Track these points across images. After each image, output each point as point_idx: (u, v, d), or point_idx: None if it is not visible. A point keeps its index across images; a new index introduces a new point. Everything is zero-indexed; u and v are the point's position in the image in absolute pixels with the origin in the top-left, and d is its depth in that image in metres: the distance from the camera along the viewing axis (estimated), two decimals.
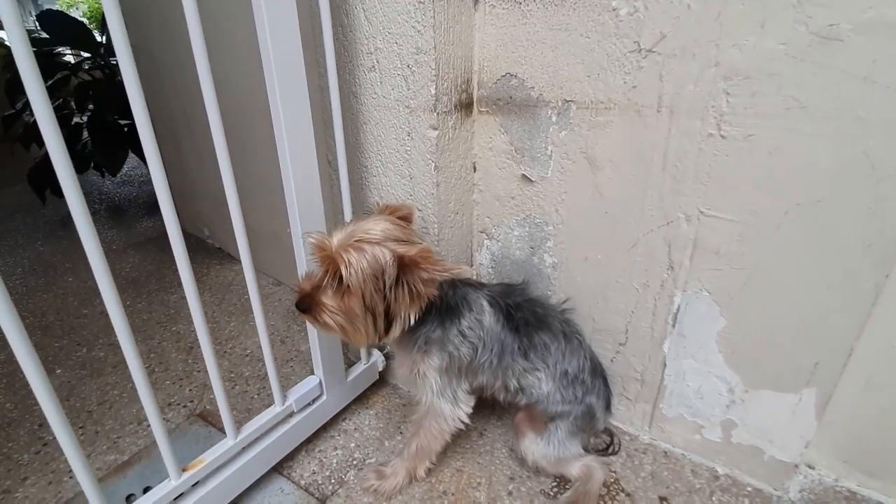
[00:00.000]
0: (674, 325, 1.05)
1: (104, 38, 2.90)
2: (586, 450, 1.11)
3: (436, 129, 1.07)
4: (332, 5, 1.01)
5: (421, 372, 0.99)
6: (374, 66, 1.10)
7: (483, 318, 0.97)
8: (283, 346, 1.70)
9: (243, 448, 1.07)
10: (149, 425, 1.35)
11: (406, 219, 0.93)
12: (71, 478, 1.20)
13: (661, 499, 1.04)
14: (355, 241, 0.82)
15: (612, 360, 1.18)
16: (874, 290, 0.81)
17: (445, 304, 0.94)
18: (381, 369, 1.43)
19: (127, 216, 3.00)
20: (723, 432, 1.07)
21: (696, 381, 1.07)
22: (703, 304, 1.00)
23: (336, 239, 0.83)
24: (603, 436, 1.18)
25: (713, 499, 1.03)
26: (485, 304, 0.99)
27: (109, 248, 2.50)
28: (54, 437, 1.30)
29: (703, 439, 1.11)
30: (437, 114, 1.06)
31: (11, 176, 3.25)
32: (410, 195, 1.18)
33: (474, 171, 1.23)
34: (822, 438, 1.02)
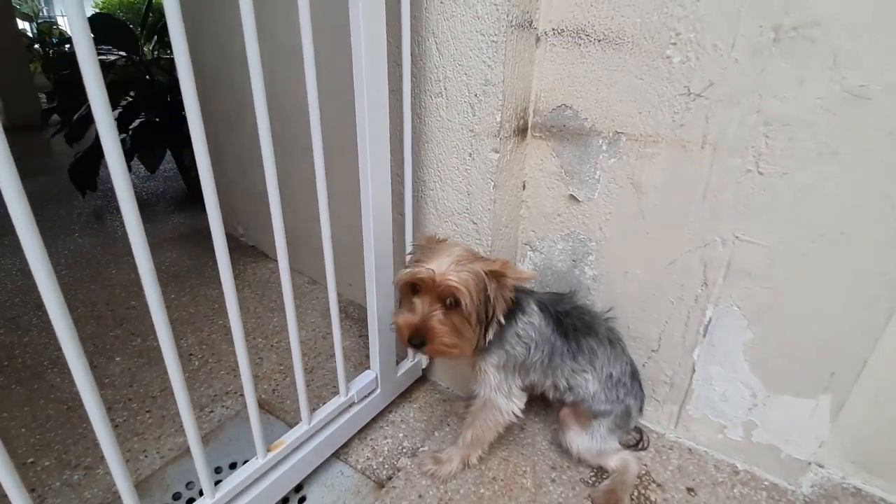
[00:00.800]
0: (704, 336, 1.18)
1: (143, 37, 3.00)
2: (620, 445, 1.24)
3: (497, 152, 1.19)
4: (411, 33, 1.13)
5: (482, 368, 1.11)
6: (441, 93, 1.22)
7: (534, 320, 1.10)
8: (325, 341, 1.81)
9: (313, 434, 1.19)
10: (211, 411, 1.47)
11: (497, 275, 0.98)
12: (146, 456, 1.31)
13: (689, 489, 1.17)
14: (453, 264, 0.94)
15: (643, 365, 1.31)
16: (888, 312, 0.95)
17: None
18: (424, 367, 1.55)
19: (156, 211, 3.09)
20: (744, 432, 1.20)
21: (721, 386, 1.19)
22: (732, 318, 1.12)
23: (435, 266, 0.94)
24: (633, 433, 1.30)
25: (734, 491, 1.16)
26: (535, 307, 1.11)
27: None
28: (124, 419, 1.43)
29: (725, 438, 1.23)
30: (500, 139, 1.18)
31: (41, 167, 3.33)
32: (467, 209, 1.30)
33: (524, 188, 1.36)
34: (834, 440, 1.15)
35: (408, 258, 1.07)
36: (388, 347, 1.35)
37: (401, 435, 1.39)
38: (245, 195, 2.40)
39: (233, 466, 1.28)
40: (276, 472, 1.10)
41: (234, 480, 1.00)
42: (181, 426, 1.42)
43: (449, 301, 0.95)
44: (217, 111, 2.28)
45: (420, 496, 1.16)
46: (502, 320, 1.02)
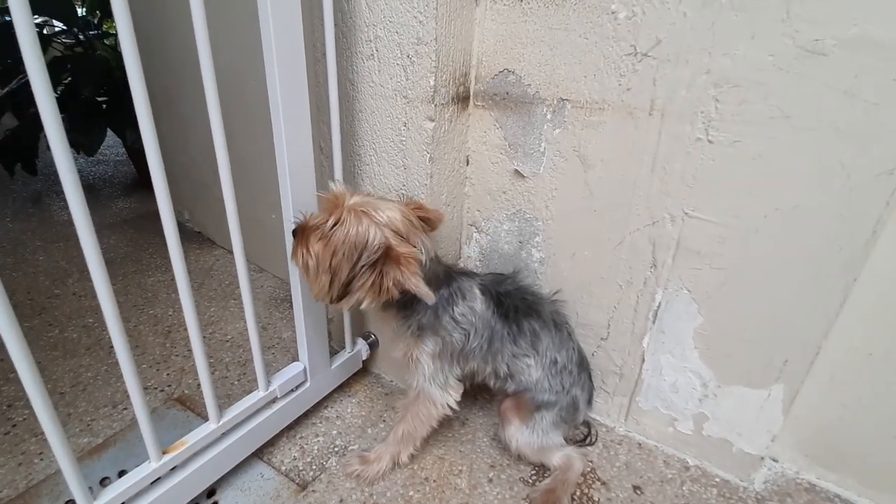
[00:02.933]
0: (654, 322, 1.09)
1: (84, 10, 2.79)
2: (566, 441, 1.15)
3: (433, 120, 1.08)
4: None
5: (414, 356, 1.00)
6: (373, 55, 1.10)
7: (475, 305, 1.00)
8: (265, 332, 1.68)
9: (225, 432, 1.07)
10: (124, 408, 1.34)
11: (428, 223, 0.95)
12: (42, 459, 1.16)
13: (635, 487, 1.08)
14: (362, 210, 0.85)
15: (592, 354, 1.22)
16: (843, 291, 0.87)
17: (439, 294, 0.96)
18: (364, 358, 1.43)
19: (101, 196, 2.90)
20: (694, 425, 1.12)
21: (671, 376, 1.11)
22: (682, 301, 1.04)
23: (353, 199, 0.87)
24: (581, 427, 1.21)
25: (683, 489, 1.08)
26: (477, 292, 1.01)
27: None
28: (24, 419, 1.28)
29: (675, 432, 1.15)
30: (435, 105, 1.07)
31: None
32: (404, 185, 1.19)
33: (467, 164, 1.25)
34: (787, 433, 1.08)
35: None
36: (318, 336, 1.23)
37: (334, 432, 1.28)
38: (189, 179, 2.24)
39: None
40: (178, 476, 0.97)
41: (117, 488, 0.87)
42: (88, 425, 1.29)
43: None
44: (158, 91, 2.11)
45: (341, 500, 1.05)
46: (364, 304, 0.89)
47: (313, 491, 1.07)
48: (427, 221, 0.95)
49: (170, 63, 1.96)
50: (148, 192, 2.57)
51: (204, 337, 1.66)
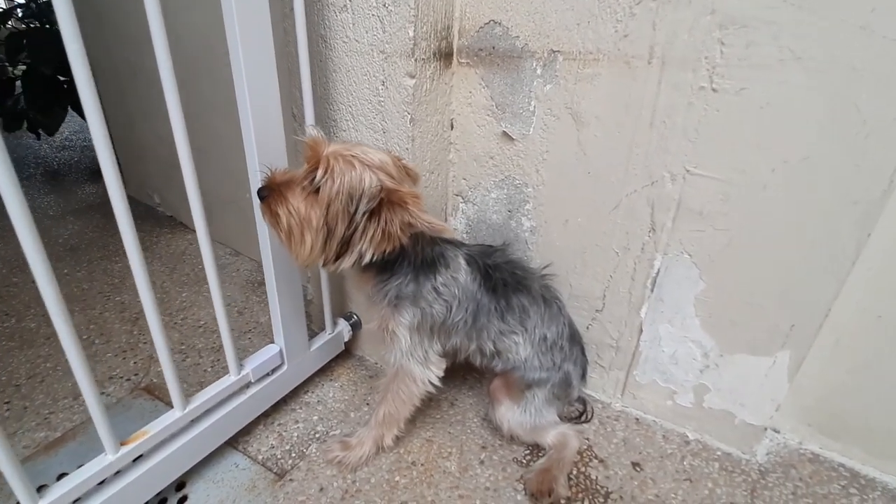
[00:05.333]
0: (652, 290, 1.03)
1: None
2: (560, 418, 1.09)
3: (413, 77, 0.99)
4: None
5: (390, 329, 0.92)
6: (346, 6, 1.00)
7: (459, 275, 0.92)
8: (241, 317, 1.59)
9: (194, 420, 0.98)
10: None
11: (411, 176, 0.87)
12: None
13: (634, 464, 1.03)
14: (350, 155, 0.76)
15: (587, 328, 1.16)
16: (856, 249, 0.81)
17: (421, 259, 0.88)
18: (346, 339, 1.35)
19: (66, 182, 2.74)
20: (695, 398, 1.07)
21: (671, 347, 1.06)
22: (682, 267, 0.98)
23: (333, 146, 0.77)
24: (576, 404, 1.15)
25: (684, 463, 1.03)
26: (462, 262, 0.93)
27: (45, 215, 2.27)
28: None
29: (675, 405, 1.10)
30: (415, 60, 0.98)
31: None
32: None
33: (451, 128, 1.16)
34: (791, 402, 1.03)
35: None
36: (295, 316, 1.15)
37: (315, 418, 1.20)
38: (158, 159, 2.11)
39: None
40: (140, 468, 0.89)
41: (67, 484, 0.78)
42: (45, 418, 1.19)
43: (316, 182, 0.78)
44: (120, 63, 1.97)
45: (322, 489, 0.97)
46: (367, 258, 0.81)
47: (291, 480, 0.99)
48: (408, 173, 0.87)
49: (131, 33, 1.82)
50: (123, 179, 2.47)
51: (175, 323, 1.59)
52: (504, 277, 0.96)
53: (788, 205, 0.84)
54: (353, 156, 0.77)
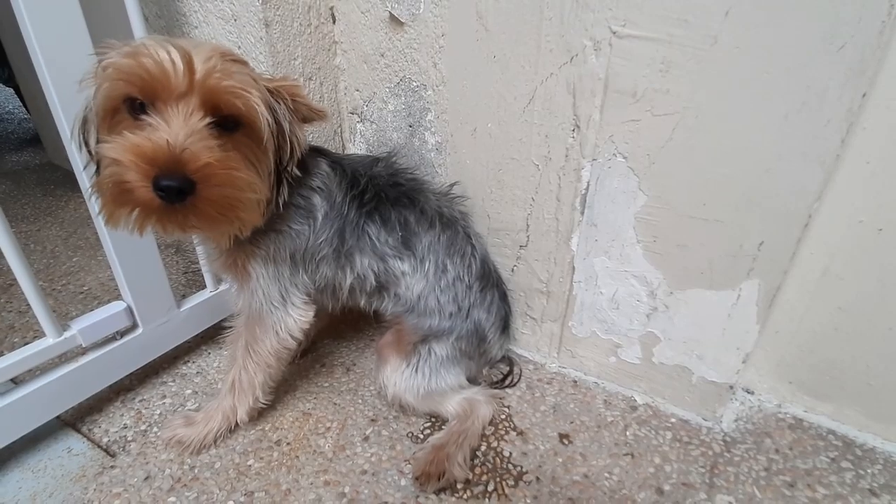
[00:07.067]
0: (582, 212, 0.79)
1: None
2: (474, 382, 0.86)
3: None
4: None
5: (240, 265, 0.69)
6: None
7: (318, 182, 0.69)
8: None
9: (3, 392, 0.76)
10: None
11: (289, 93, 0.62)
12: None
13: (562, 436, 0.80)
14: (221, 59, 0.54)
15: (512, 270, 0.92)
16: (846, 118, 0.56)
17: None
18: None
19: None
20: (642, 351, 0.83)
21: (610, 287, 0.82)
22: (616, 175, 0.73)
23: (199, 57, 0.52)
24: (500, 365, 0.92)
25: (626, 434, 0.80)
26: (325, 168, 0.70)
27: None
28: None
29: (619, 362, 0.87)
30: None
31: None
32: (238, 47, 0.86)
33: (334, 21, 0.91)
34: (765, 352, 0.80)
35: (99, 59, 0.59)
36: (150, 268, 0.91)
37: (188, 391, 0.97)
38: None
39: None
40: None
41: None
42: None
43: (224, 121, 0.55)
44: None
45: (147, 477, 0.75)
46: (296, 173, 0.65)
47: (113, 467, 0.77)
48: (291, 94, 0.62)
49: None
50: (41, 143, 2.22)
51: (54, 289, 1.37)
52: (380, 186, 0.73)
53: (749, 63, 0.59)
54: (219, 56, 0.54)
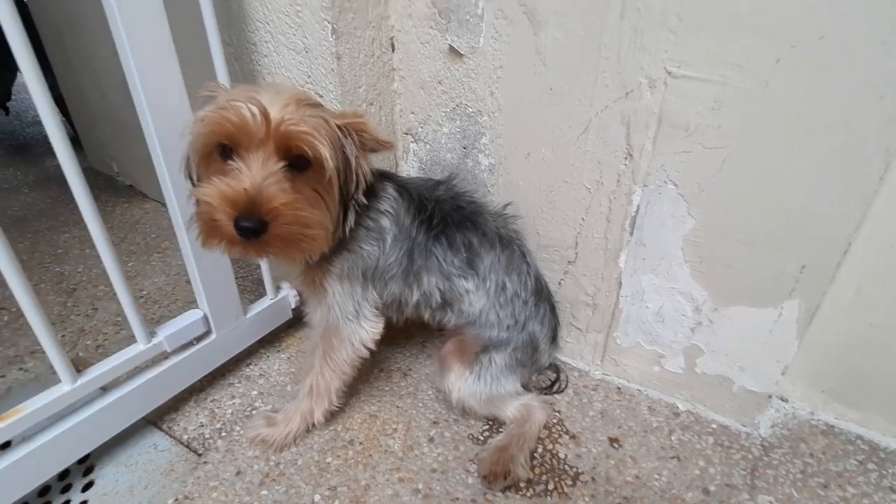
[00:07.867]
0: (631, 233, 0.85)
1: None
2: (527, 388, 0.93)
3: None
4: None
5: (318, 282, 0.77)
6: None
7: (388, 206, 0.77)
8: (189, 287, 1.45)
9: (93, 398, 0.84)
10: (2, 375, 1.11)
11: (355, 129, 0.69)
12: None
13: (612, 440, 0.87)
14: (296, 104, 0.61)
15: (560, 283, 0.98)
16: (884, 160, 0.62)
17: None
18: (294, 306, 1.20)
19: (31, 155, 2.61)
20: (686, 362, 0.90)
21: (656, 302, 0.88)
22: (667, 200, 0.79)
23: (274, 107, 0.60)
24: (548, 372, 0.99)
25: (672, 438, 0.87)
26: (392, 192, 0.77)
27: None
28: None
29: (662, 371, 0.93)
30: None
31: None
32: (309, 77, 0.92)
33: (393, 49, 0.98)
34: (800, 364, 0.86)
35: (203, 104, 0.67)
36: (222, 279, 0.99)
37: (255, 392, 1.06)
38: (111, 123, 1.95)
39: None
40: (18, 452, 0.75)
41: None
42: None
43: (296, 161, 0.63)
44: (58, 17, 1.80)
45: (239, 472, 0.83)
46: (363, 200, 0.72)
47: (205, 463, 0.85)
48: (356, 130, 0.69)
49: None
50: (82, 147, 2.30)
51: (114, 294, 1.46)
52: (445, 211, 0.80)
53: (797, 107, 0.64)
54: (294, 102, 0.62)
